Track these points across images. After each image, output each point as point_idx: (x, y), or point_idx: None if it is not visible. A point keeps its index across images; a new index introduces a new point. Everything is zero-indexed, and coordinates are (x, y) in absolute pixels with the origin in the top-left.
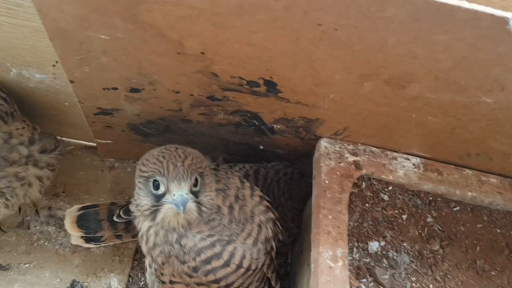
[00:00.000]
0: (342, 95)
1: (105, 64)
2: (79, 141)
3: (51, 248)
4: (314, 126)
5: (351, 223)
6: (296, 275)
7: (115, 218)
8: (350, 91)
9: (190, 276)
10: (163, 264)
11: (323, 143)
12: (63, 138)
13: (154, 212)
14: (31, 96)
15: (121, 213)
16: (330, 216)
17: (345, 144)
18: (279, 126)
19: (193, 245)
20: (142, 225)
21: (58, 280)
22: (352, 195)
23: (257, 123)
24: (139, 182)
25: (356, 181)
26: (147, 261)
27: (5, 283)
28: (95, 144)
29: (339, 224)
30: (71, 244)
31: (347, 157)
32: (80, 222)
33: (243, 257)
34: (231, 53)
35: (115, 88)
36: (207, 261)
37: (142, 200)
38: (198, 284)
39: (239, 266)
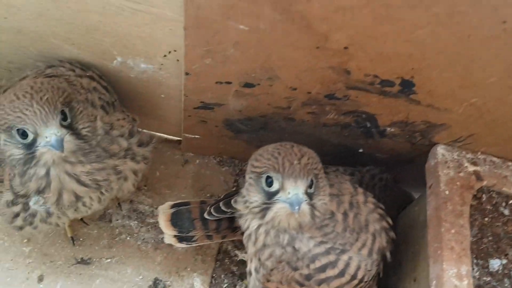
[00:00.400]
0: (486, 100)
1: (230, 57)
2: (160, 134)
3: (133, 244)
4: (435, 132)
5: (471, 239)
6: None
7: (206, 215)
8: (498, 96)
9: (301, 285)
10: (271, 270)
11: (440, 150)
12: (144, 130)
13: (264, 209)
14: (127, 86)
15: (212, 210)
16: (453, 231)
17: (463, 152)
18: (392, 130)
19: (307, 251)
20: (251, 223)
21: (140, 277)
22: (471, 208)
23: (368, 125)
24: (250, 178)
25: (475, 193)
26: (253, 265)
27: (86, 278)
28: (176, 138)
29: (462, 239)
30: (153, 240)
31: (466, 167)
32: (174, 220)
33: (358, 267)
34: (379, 49)
35: (229, 82)
36: (322, 269)
37: (252, 196)
38: None
39: (353, 277)
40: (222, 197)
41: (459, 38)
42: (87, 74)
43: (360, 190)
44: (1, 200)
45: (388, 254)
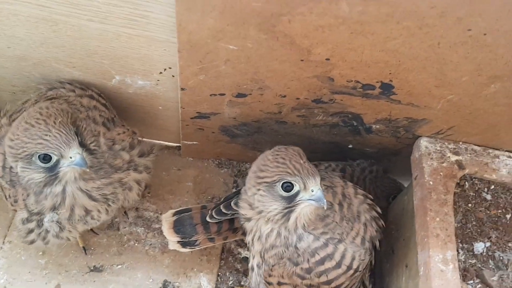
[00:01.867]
0: (461, 96)
1: (222, 72)
2: (160, 142)
3: (141, 249)
4: (417, 126)
5: (456, 224)
6: (387, 275)
7: (208, 219)
8: (472, 92)
9: (302, 278)
10: (273, 265)
11: (423, 143)
12: (144, 139)
13: (286, 214)
14: (126, 101)
15: (213, 213)
16: (438, 219)
17: (445, 143)
18: (378, 126)
19: (307, 246)
20: (262, 228)
21: (151, 280)
22: (455, 196)
23: (355, 124)
24: (260, 189)
25: (458, 181)
26: (255, 261)
27: (100, 285)
28: (175, 144)
29: (446, 226)
30: (159, 244)
31: (449, 157)
32: (177, 227)
33: (353, 258)
34: (357, 59)
35: (222, 94)
36: (321, 262)
37: (269, 205)
38: (309, 286)
39: (349, 268)
40: (222, 200)
41: (429, 46)
42: (87, 94)
43: (350, 183)
44: (17, 218)
45: (377, 243)
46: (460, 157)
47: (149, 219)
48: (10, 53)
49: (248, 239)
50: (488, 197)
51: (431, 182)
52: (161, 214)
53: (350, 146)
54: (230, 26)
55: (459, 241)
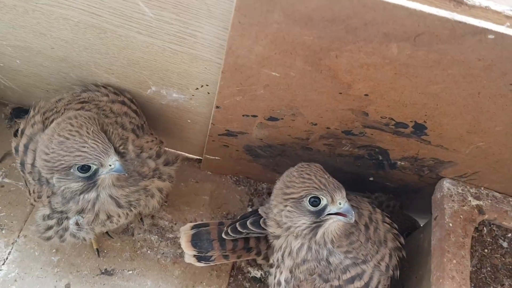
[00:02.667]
0: (491, 144)
1: (259, 96)
2: (181, 153)
3: (153, 257)
4: (442, 168)
5: (471, 268)
6: None
7: (223, 235)
8: (503, 142)
9: None
10: (300, 281)
11: (446, 184)
12: (167, 149)
13: (315, 228)
14: (157, 111)
15: (229, 230)
16: (454, 261)
17: (467, 187)
18: (403, 163)
19: (339, 263)
20: (292, 243)
21: None
22: (472, 240)
23: (380, 158)
24: (287, 205)
25: (477, 226)
26: (283, 276)
27: None
28: (195, 157)
29: (462, 269)
30: (171, 254)
31: (470, 200)
32: (194, 241)
33: (379, 281)
34: (396, 98)
35: (255, 116)
36: (351, 280)
37: (297, 221)
38: None
39: None
40: (238, 218)
41: (470, 94)
42: (119, 99)
43: (378, 210)
44: (38, 214)
45: (397, 273)
46: (481, 202)
47: (164, 228)
48: (52, 54)
49: (276, 256)
50: (505, 244)
51: (450, 224)
52: (175, 224)
53: (371, 178)
54: (278, 55)
55: (473, 285)
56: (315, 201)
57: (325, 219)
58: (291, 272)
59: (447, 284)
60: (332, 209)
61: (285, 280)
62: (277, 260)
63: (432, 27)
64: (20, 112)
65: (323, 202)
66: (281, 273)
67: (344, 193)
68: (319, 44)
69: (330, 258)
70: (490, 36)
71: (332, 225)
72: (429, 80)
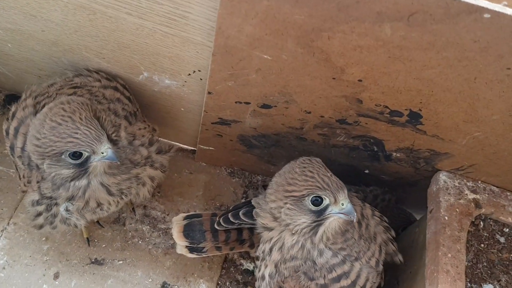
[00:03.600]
0: (488, 134)
1: (251, 81)
2: (175, 143)
3: (145, 247)
4: (438, 160)
5: (466, 263)
6: None
7: (216, 226)
8: (500, 132)
9: None
10: (286, 277)
11: (442, 177)
12: (161, 139)
13: (315, 227)
14: (150, 99)
15: (221, 220)
16: (449, 255)
17: (464, 180)
18: (398, 155)
19: (325, 262)
20: (286, 239)
21: (150, 280)
22: (468, 234)
23: (376, 149)
24: (287, 203)
25: (473, 220)
26: (267, 270)
27: (99, 278)
28: (190, 148)
29: (457, 263)
30: (163, 245)
31: (466, 194)
32: (186, 232)
33: (367, 279)
34: (390, 84)
35: (247, 103)
36: (337, 279)
37: (297, 219)
38: None
39: None
40: (231, 208)
41: (465, 79)
42: (112, 85)
43: (367, 205)
44: (27, 199)
45: (399, 258)
46: (477, 196)
47: (156, 219)
48: (43, 37)
49: (263, 247)
50: (502, 239)
51: (446, 217)
52: (168, 215)
53: (367, 171)
54: (269, 36)
55: (468, 280)
56: (317, 201)
57: (326, 218)
58: (276, 266)
59: (442, 278)
60: (334, 209)
61: (269, 275)
62: (263, 251)
63: (426, 5)
64: (13, 99)
65: (325, 202)
66: (266, 266)
67: (346, 193)
68: (311, 23)
69: (318, 259)
70: (486, 15)
71: (333, 222)
72: (424, 64)
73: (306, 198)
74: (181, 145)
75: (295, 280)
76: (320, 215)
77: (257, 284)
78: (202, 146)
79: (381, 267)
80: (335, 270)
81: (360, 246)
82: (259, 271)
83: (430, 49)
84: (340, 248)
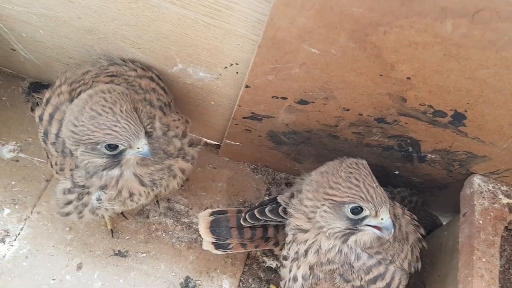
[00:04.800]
0: None
1: (293, 75)
2: (200, 137)
3: (168, 241)
4: (474, 163)
5: (499, 268)
6: None
7: (241, 222)
8: None
9: None
10: (319, 279)
11: (477, 180)
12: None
13: (348, 234)
14: (180, 91)
15: (247, 217)
16: (484, 259)
17: (498, 184)
18: (433, 156)
19: (362, 264)
20: (323, 242)
21: (173, 274)
22: (502, 239)
23: (410, 150)
24: (324, 205)
25: (507, 225)
26: (300, 271)
27: (122, 270)
28: (214, 142)
29: (491, 268)
30: (186, 239)
31: (500, 198)
32: (213, 228)
33: (400, 281)
34: (440, 83)
35: (285, 98)
36: (373, 280)
37: (331, 223)
38: None
39: None
40: (257, 205)
41: None
42: (147, 75)
43: (398, 203)
44: (58, 187)
45: (418, 265)
46: (511, 201)
47: (179, 212)
48: (78, 24)
49: (297, 248)
50: None
51: (480, 221)
52: (191, 209)
53: (397, 172)
54: (322, 29)
55: (500, 285)
56: (357, 209)
57: (362, 229)
58: (311, 268)
59: (476, 282)
60: (372, 222)
61: (302, 276)
62: (297, 252)
63: (495, 2)
64: (38, 87)
65: (365, 213)
66: (298, 267)
67: (388, 207)
68: (369, 17)
69: (355, 262)
70: None
71: (366, 236)
72: (479, 64)
73: (346, 205)
74: (206, 140)
75: (329, 282)
76: (356, 224)
77: (284, 283)
78: (228, 141)
79: (412, 269)
80: (372, 271)
81: (395, 249)
82: (290, 271)
83: (490, 48)
84: (376, 252)
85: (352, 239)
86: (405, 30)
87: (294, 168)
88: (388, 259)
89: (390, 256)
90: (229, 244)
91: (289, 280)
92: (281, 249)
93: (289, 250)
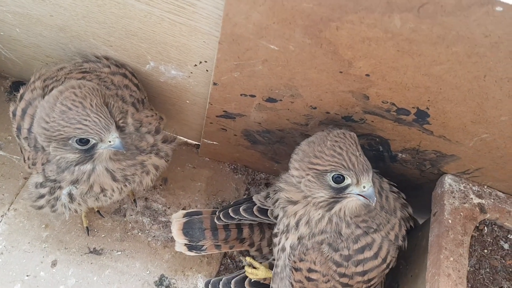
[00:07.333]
0: (496, 136)
1: (258, 72)
2: (180, 137)
3: (144, 239)
4: (444, 162)
5: (468, 268)
6: None
7: (215, 220)
8: (508, 134)
9: (338, 265)
10: (307, 249)
11: (448, 180)
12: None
13: (332, 203)
14: (155, 89)
15: (220, 215)
16: (451, 259)
17: (470, 184)
18: (404, 156)
19: (350, 233)
20: (312, 213)
21: (148, 272)
22: (472, 239)
23: (381, 149)
24: (308, 174)
25: (478, 225)
26: (289, 242)
27: (97, 267)
28: (194, 142)
29: (459, 267)
30: (162, 238)
31: (471, 198)
32: (186, 229)
33: (388, 252)
34: (398, 79)
35: (253, 96)
36: (361, 250)
37: (315, 192)
38: (342, 275)
39: (383, 261)
40: (231, 204)
41: (475, 77)
42: (120, 72)
43: (385, 179)
44: (31, 181)
45: (405, 244)
46: (483, 201)
47: (157, 211)
48: (51, 22)
49: (287, 221)
50: (506, 246)
51: (450, 221)
52: (169, 208)
53: None
54: (276, 24)
55: (470, 285)
56: (339, 178)
57: (344, 196)
58: (299, 239)
59: (442, 281)
60: (354, 190)
61: (290, 246)
62: (287, 225)
63: None
64: (20, 86)
65: (347, 181)
66: (287, 238)
67: (371, 175)
68: (319, 12)
69: (345, 230)
70: (498, 9)
71: (351, 203)
72: (433, 60)
73: (328, 174)
74: (186, 139)
75: (317, 252)
76: (339, 192)
77: (276, 254)
78: (206, 140)
79: (400, 242)
80: (360, 240)
81: (381, 218)
82: (278, 243)
83: (440, 43)
84: (362, 220)
85: (337, 207)
86: (356, 26)
87: (273, 169)
88: (373, 227)
89: (376, 224)
90: (203, 245)
91: (277, 252)
92: (256, 250)
93: (279, 225)
